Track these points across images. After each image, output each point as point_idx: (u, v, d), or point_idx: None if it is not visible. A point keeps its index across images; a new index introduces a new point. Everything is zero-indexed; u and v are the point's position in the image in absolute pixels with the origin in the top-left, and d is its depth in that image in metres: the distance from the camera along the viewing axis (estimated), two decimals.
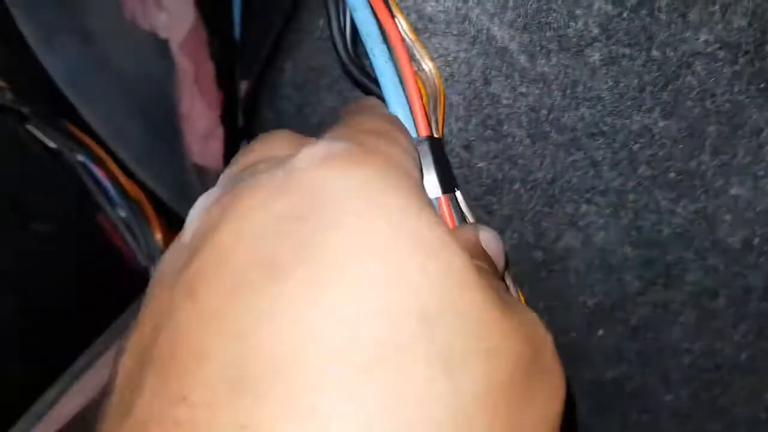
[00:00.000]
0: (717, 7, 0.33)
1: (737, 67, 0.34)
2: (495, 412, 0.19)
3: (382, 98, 0.32)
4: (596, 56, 0.33)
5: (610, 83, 0.34)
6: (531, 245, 0.38)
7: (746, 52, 0.34)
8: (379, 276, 0.19)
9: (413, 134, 0.31)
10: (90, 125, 0.66)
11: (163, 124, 0.71)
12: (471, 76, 0.35)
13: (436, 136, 0.32)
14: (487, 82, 0.35)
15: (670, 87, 0.34)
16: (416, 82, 0.31)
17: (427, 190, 0.31)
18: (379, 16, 0.32)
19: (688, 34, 0.33)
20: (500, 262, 0.29)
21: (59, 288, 0.62)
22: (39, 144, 0.58)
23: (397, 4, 0.34)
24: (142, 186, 0.60)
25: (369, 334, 0.19)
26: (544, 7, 0.32)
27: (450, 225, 0.31)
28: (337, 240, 0.20)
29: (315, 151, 0.24)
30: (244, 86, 0.69)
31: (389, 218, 0.21)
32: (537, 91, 0.34)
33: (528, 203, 0.37)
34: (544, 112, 0.35)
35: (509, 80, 0.35)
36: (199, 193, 0.73)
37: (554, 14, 0.32)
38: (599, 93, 0.34)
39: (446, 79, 0.35)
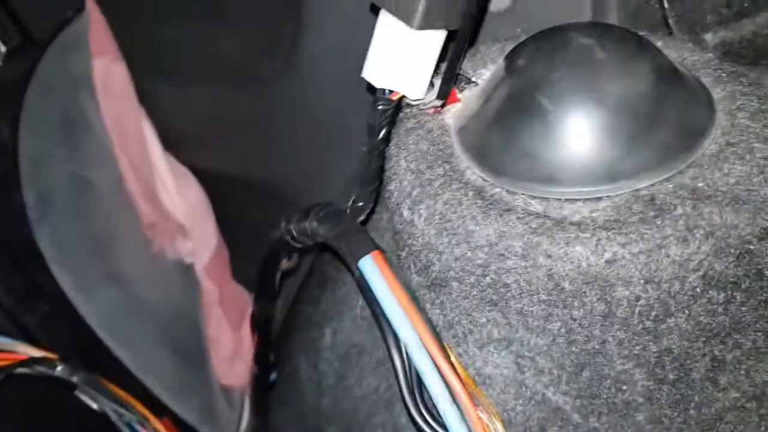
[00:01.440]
0: (744, 368, 0.38)
1: (763, 411, 0.39)
2: None
3: None
4: (641, 417, 0.38)
5: None
6: None
7: None
8: None
9: None
10: (123, 364, 0.68)
11: (192, 351, 0.74)
12: (527, 424, 0.39)
13: None
14: (542, 430, 0.39)
15: None
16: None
17: None
18: (447, 379, 0.36)
19: (719, 395, 0.38)
20: None
21: None
22: (85, 407, 0.60)
23: (460, 362, 0.38)
24: None
25: None
26: (595, 384, 0.37)
27: None
28: None
29: None
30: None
31: None
32: None
33: None
34: None
35: (563, 430, 0.39)
36: (226, 413, 0.75)
37: (604, 389, 0.37)
38: None
39: (504, 423, 0.39)
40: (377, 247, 0.38)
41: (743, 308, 0.35)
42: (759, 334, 0.37)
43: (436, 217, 0.35)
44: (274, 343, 0.66)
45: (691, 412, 0.37)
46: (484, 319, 0.36)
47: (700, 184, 0.34)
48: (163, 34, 0.70)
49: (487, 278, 0.34)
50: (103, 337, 0.65)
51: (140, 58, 0.69)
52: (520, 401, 0.38)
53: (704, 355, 0.36)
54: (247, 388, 0.75)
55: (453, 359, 0.37)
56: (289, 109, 0.67)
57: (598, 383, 0.36)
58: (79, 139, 0.66)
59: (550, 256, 0.32)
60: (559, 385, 0.36)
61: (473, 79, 0.41)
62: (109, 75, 0.67)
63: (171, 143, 0.74)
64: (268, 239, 0.52)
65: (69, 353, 0.62)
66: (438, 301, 0.38)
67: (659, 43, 0.41)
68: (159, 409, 0.67)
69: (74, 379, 0.58)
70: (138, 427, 0.59)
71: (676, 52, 0.41)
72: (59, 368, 0.58)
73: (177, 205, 0.72)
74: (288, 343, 0.64)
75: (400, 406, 0.48)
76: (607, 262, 0.32)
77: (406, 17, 0.34)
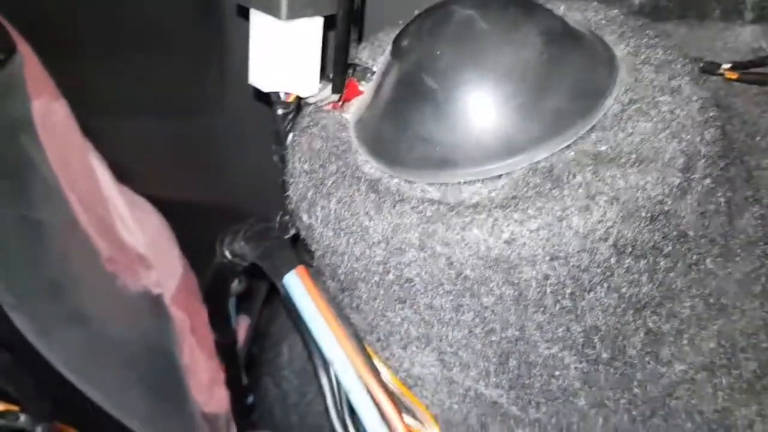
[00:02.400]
0: (685, 339, 0.35)
1: (716, 380, 0.36)
2: None
3: None
4: (582, 401, 0.35)
5: (601, 421, 0.35)
6: None
7: (721, 366, 0.36)
8: None
9: None
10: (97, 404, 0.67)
11: (167, 384, 0.72)
12: (467, 422, 0.37)
13: None
14: (484, 427, 0.37)
15: (659, 413, 0.36)
16: None
17: None
18: (375, 397, 0.34)
19: (663, 369, 0.35)
20: None
21: None
22: None
23: (389, 367, 0.36)
24: None
25: None
26: (525, 372, 0.34)
27: None
28: None
29: None
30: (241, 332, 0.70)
31: None
32: None
33: None
34: None
35: (504, 425, 0.36)
36: None
37: (536, 377, 0.35)
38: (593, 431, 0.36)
39: (443, 424, 0.37)
40: (301, 262, 0.37)
41: (671, 274, 0.33)
42: (697, 299, 0.34)
43: (332, 217, 0.33)
44: (245, 366, 0.65)
45: (636, 391, 0.34)
46: (398, 319, 0.34)
47: (603, 148, 0.31)
48: (97, 69, 0.69)
49: (390, 275, 0.32)
50: (72, 380, 0.63)
51: (79, 94, 0.69)
52: (455, 399, 0.36)
53: (636, 329, 0.33)
54: (231, 413, 0.73)
55: (382, 367, 0.35)
56: (227, 132, 0.66)
57: (528, 371, 0.34)
58: (25, 183, 0.65)
59: (447, 244, 0.30)
60: (489, 378, 0.34)
61: (374, 68, 0.39)
62: (50, 114, 0.66)
63: (124, 175, 0.73)
64: (210, 266, 0.50)
65: (38, 400, 0.61)
66: (354, 305, 0.36)
67: (562, 7, 0.39)
68: None
69: (37, 430, 0.57)
70: None
71: (581, 13, 0.38)
72: (21, 419, 0.56)
73: (136, 235, 0.71)
74: (255, 365, 0.62)
75: None
76: (507, 242, 0.30)
77: (272, 10, 0.33)
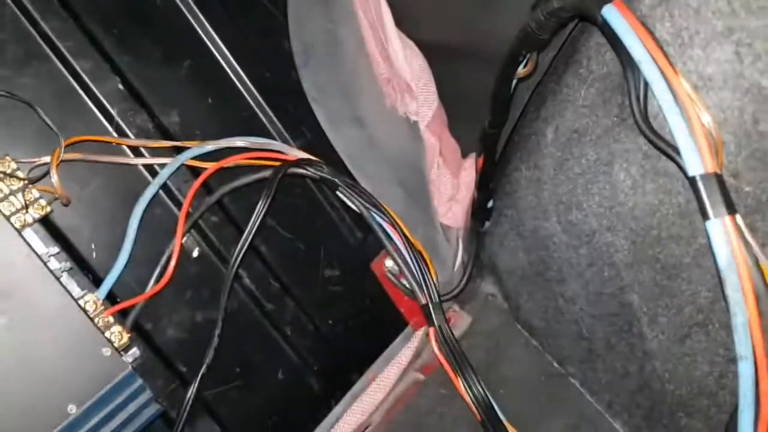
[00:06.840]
0: None
1: None
2: None
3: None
4: None
5: None
6: None
7: None
8: None
9: (700, 169, 0.41)
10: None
11: (417, 190, 0.85)
12: (742, 119, 0.44)
13: (718, 172, 0.42)
14: (756, 123, 0.45)
15: None
16: (702, 126, 0.42)
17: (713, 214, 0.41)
18: (672, 85, 0.43)
19: None
20: None
21: (342, 321, 0.77)
22: (345, 205, 0.74)
23: (678, 71, 0.46)
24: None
25: None
26: None
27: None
28: None
29: None
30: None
31: None
32: None
33: None
34: None
35: None
36: (445, 247, 0.86)
37: None
38: None
39: (720, 123, 0.46)
40: None
41: None
42: None
43: None
44: (496, 167, 0.76)
45: None
46: (709, 14, 0.43)
47: None
48: None
49: None
50: (348, 166, 0.78)
51: None
52: (737, 95, 0.44)
53: None
54: (461, 230, 0.85)
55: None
56: None
57: None
58: (331, 4, 0.80)
59: None
60: None
61: None
62: None
63: (398, 19, 0.86)
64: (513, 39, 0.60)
65: None
66: (667, 14, 0.45)
67: None
68: None
69: (337, 180, 0.71)
70: (388, 227, 0.71)
71: None
72: (326, 170, 0.71)
73: (405, 68, 0.85)
74: (508, 156, 0.73)
75: (618, 167, 0.56)
76: None
77: None
